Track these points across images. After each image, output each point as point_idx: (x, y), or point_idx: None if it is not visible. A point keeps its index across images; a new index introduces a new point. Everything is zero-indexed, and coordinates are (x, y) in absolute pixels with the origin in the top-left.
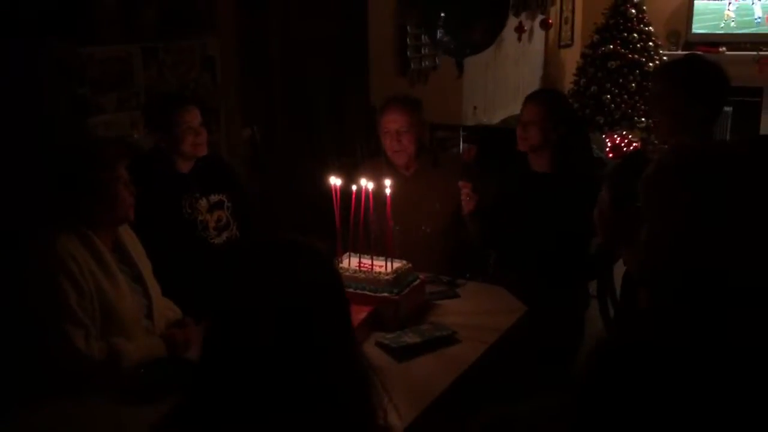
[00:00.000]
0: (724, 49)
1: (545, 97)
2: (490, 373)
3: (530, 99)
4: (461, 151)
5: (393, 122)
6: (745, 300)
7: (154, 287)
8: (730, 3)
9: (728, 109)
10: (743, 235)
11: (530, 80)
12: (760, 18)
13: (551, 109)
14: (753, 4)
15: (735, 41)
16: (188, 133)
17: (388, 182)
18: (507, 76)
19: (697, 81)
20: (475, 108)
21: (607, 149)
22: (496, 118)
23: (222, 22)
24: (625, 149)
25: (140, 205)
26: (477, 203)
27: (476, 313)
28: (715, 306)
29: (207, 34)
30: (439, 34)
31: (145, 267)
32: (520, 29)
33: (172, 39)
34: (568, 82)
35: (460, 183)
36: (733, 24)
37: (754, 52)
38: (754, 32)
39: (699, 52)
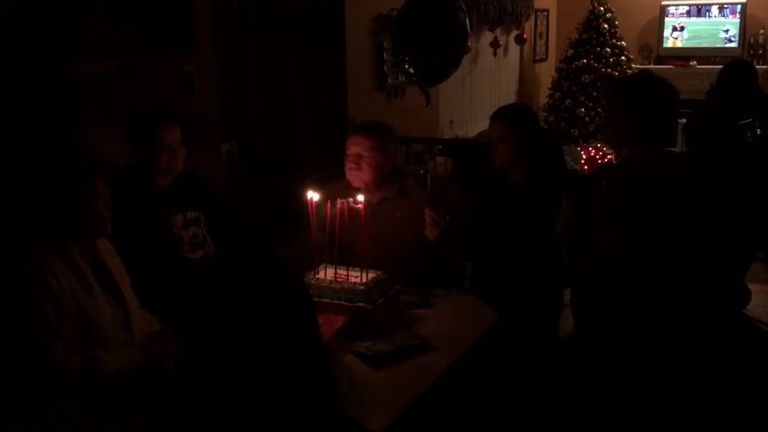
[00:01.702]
0: (694, 62)
1: (509, 114)
2: (463, 378)
3: (495, 118)
4: (435, 165)
5: (354, 145)
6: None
7: (131, 300)
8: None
9: None
10: (679, 231)
11: (506, 94)
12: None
13: (516, 125)
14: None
15: (705, 55)
16: (165, 151)
17: (361, 197)
18: (483, 90)
19: (646, 96)
20: (451, 121)
21: (582, 161)
22: (472, 132)
23: (200, 39)
24: (599, 161)
25: (117, 218)
26: (440, 232)
27: (450, 322)
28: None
29: (185, 50)
30: (407, 66)
31: (123, 280)
32: (495, 44)
33: (151, 55)
34: (543, 96)
35: (426, 211)
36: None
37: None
38: (723, 46)
39: (670, 66)
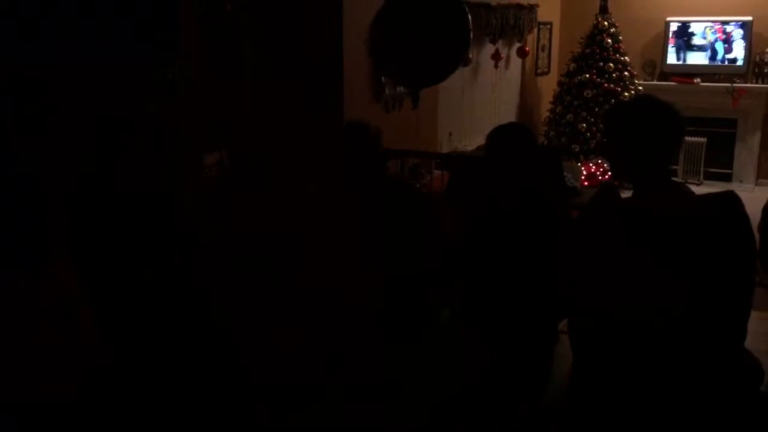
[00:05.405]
0: (698, 80)
1: (503, 136)
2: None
3: (489, 140)
4: (431, 179)
5: None
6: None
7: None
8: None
9: (703, 139)
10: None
11: (507, 107)
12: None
13: (510, 149)
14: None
15: (709, 72)
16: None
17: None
18: (483, 103)
19: (647, 123)
20: (450, 134)
21: (583, 177)
22: (471, 145)
23: (186, 41)
24: (600, 178)
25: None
26: None
27: (436, 361)
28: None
29: (166, 53)
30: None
31: (76, 302)
32: (496, 56)
33: (131, 58)
34: (544, 110)
35: None
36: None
37: (728, 84)
38: (728, 64)
39: (673, 83)
